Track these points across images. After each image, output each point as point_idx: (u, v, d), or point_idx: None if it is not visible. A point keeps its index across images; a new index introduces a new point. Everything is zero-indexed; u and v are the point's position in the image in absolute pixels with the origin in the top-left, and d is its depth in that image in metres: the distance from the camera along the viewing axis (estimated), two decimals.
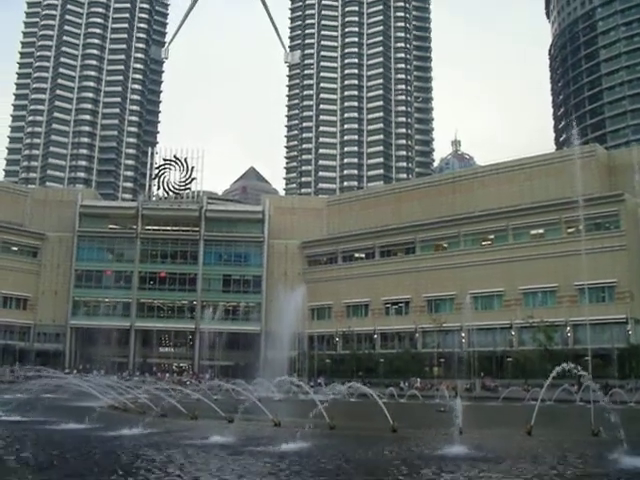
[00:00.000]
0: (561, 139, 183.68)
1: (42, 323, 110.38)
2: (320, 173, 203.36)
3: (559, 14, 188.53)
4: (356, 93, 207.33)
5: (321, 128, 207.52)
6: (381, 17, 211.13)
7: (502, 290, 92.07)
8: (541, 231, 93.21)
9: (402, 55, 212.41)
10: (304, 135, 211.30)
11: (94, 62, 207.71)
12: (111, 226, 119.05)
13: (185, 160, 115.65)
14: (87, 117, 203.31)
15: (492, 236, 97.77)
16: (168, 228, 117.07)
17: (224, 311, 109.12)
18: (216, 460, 20.33)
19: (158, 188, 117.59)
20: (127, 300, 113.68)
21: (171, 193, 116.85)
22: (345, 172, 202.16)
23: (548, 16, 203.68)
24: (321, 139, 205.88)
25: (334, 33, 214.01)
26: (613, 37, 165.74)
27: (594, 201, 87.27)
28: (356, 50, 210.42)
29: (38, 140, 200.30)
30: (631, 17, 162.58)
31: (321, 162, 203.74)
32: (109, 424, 29.32)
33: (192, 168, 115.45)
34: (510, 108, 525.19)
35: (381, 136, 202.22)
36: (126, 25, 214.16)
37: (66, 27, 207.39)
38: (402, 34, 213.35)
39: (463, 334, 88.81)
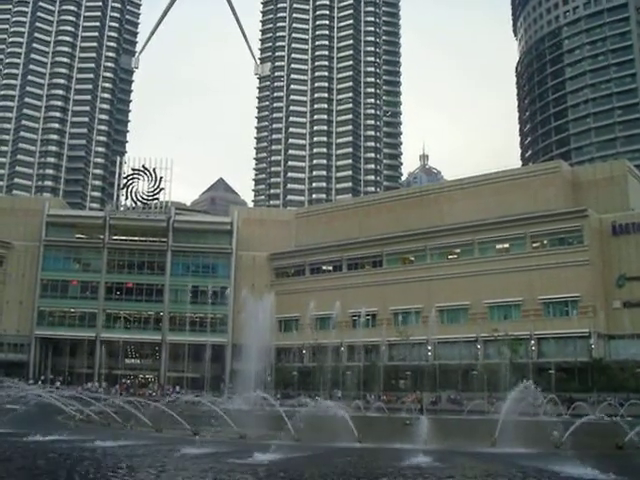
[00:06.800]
0: (527, 155, 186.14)
1: (6, 333, 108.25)
2: (289, 185, 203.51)
3: (526, 32, 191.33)
4: (326, 106, 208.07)
5: (290, 140, 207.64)
6: (351, 31, 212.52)
7: (468, 304, 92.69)
8: (506, 245, 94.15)
9: (372, 69, 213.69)
10: (273, 147, 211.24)
11: (64, 70, 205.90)
12: (78, 236, 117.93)
13: (154, 170, 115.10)
14: (55, 125, 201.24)
15: (458, 250, 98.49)
16: (135, 238, 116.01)
17: (191, 322, 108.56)
18: (192, 470, 20.43)
19: (126, 198, 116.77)
20: (93, 310, 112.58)
21: (139, 203, 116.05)
22: (314, 185, 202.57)
23: (515, 33, 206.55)
24: (290, 151, 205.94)
25: (305, 46, 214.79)
26: (578, 55, 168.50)
27: (558, 216, 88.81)
28: (326, 63, 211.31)
29: (5, 148, 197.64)
30: (596, 36, 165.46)
31: (290, 174, 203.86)
32: (80, 436, 29.29)
33: (160, 178, 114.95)
34: (478, 123, 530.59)
35: (350, 149, 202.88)
36: (96, 34, 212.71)
37: (36, 34, 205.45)
38: (372, 48, 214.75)
39: (429, 347, 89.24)
